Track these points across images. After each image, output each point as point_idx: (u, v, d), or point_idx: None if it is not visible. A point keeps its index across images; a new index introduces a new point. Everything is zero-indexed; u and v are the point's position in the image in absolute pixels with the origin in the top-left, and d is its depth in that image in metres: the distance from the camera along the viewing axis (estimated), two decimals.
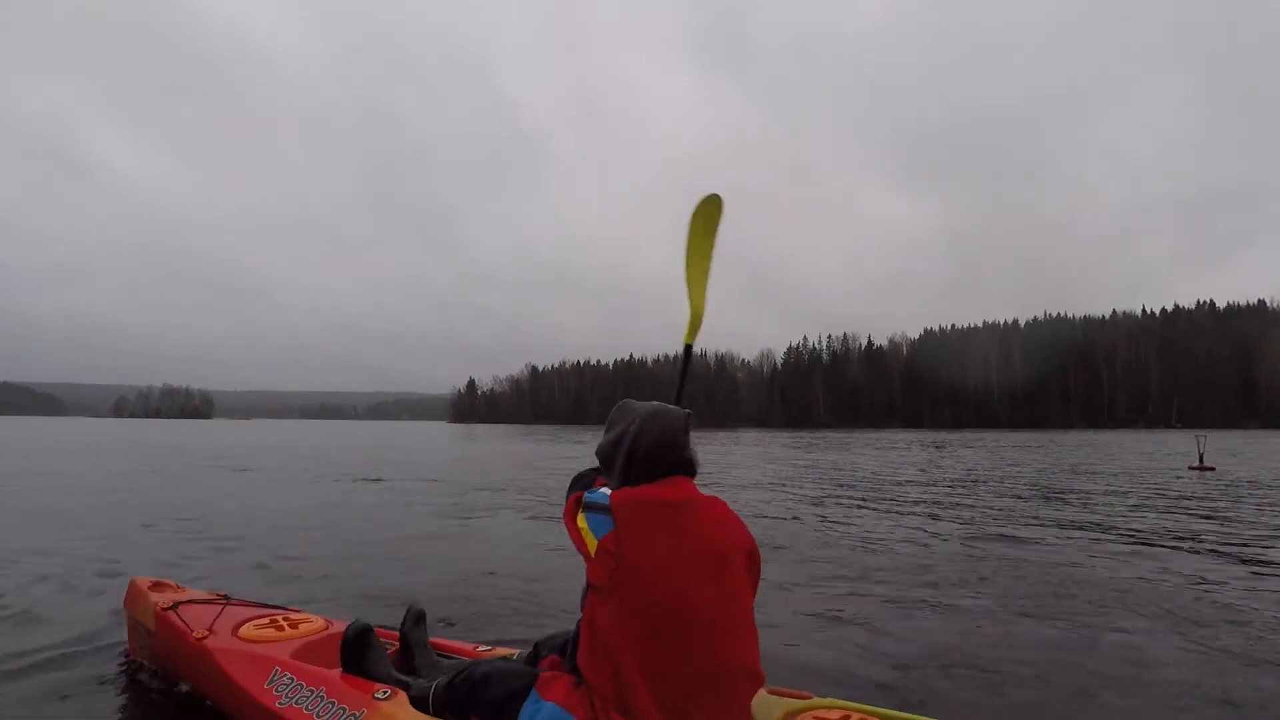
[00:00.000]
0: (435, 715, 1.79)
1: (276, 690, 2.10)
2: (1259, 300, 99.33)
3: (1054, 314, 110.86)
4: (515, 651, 2.25)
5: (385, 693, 1.94)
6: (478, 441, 33.91)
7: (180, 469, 14.29)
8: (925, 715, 1.86)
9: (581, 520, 1.54)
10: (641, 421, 1.64)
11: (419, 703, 1.84)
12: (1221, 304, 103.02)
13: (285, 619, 2.61)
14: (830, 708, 1.87)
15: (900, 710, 1.87)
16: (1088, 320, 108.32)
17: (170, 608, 2.65)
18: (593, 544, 1.50)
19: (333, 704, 1.96)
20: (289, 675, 2.14)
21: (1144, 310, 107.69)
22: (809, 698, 1.91)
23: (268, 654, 2.30)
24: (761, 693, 1.82)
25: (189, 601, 2.74)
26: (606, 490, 1.60)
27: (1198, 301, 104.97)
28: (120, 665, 2.83)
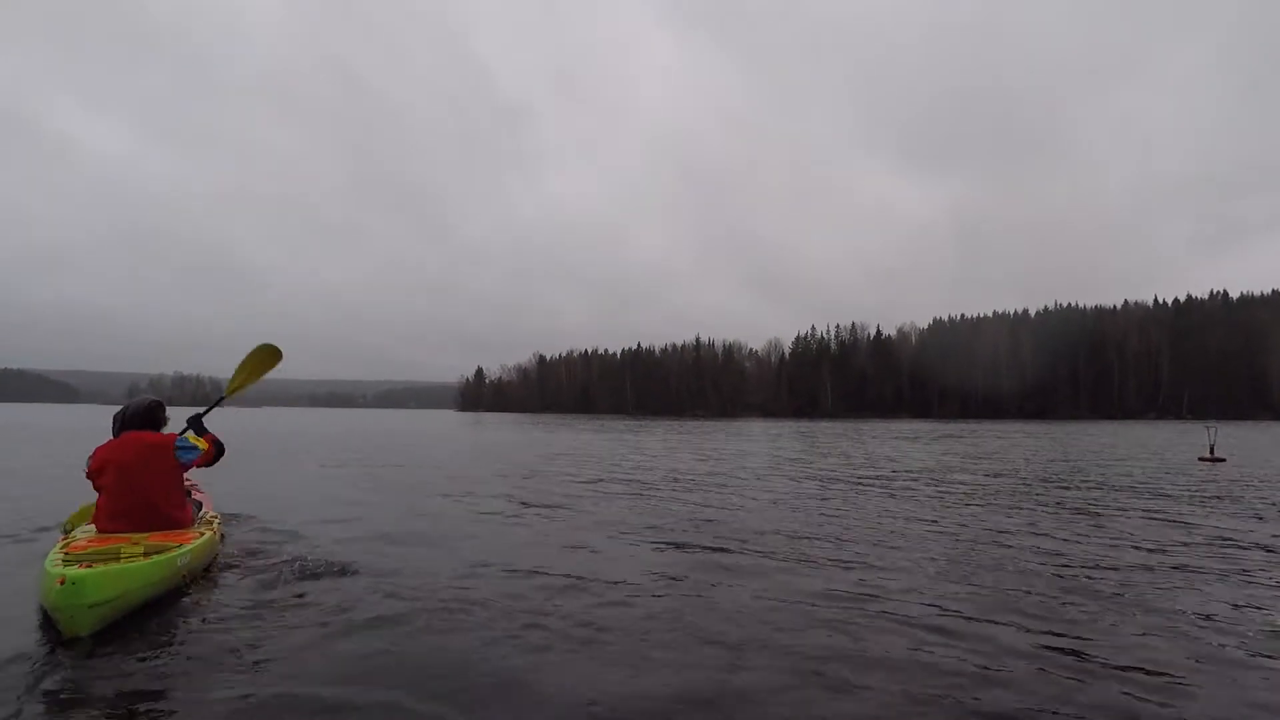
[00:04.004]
0: None
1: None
2: (1272, 290, 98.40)
3: (1064, 304, 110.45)
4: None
5: None
6: (497, 430, 34.15)
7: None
8: None
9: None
10: (129, 403, 4.33)
11: None
12: (1235, 294, 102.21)
13: None
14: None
15: None
16: (1099, 310, 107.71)
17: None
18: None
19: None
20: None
21: (1156, 300, 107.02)
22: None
23: None
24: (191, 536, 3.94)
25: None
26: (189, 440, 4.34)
27: (1211, 292, 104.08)
28: None
